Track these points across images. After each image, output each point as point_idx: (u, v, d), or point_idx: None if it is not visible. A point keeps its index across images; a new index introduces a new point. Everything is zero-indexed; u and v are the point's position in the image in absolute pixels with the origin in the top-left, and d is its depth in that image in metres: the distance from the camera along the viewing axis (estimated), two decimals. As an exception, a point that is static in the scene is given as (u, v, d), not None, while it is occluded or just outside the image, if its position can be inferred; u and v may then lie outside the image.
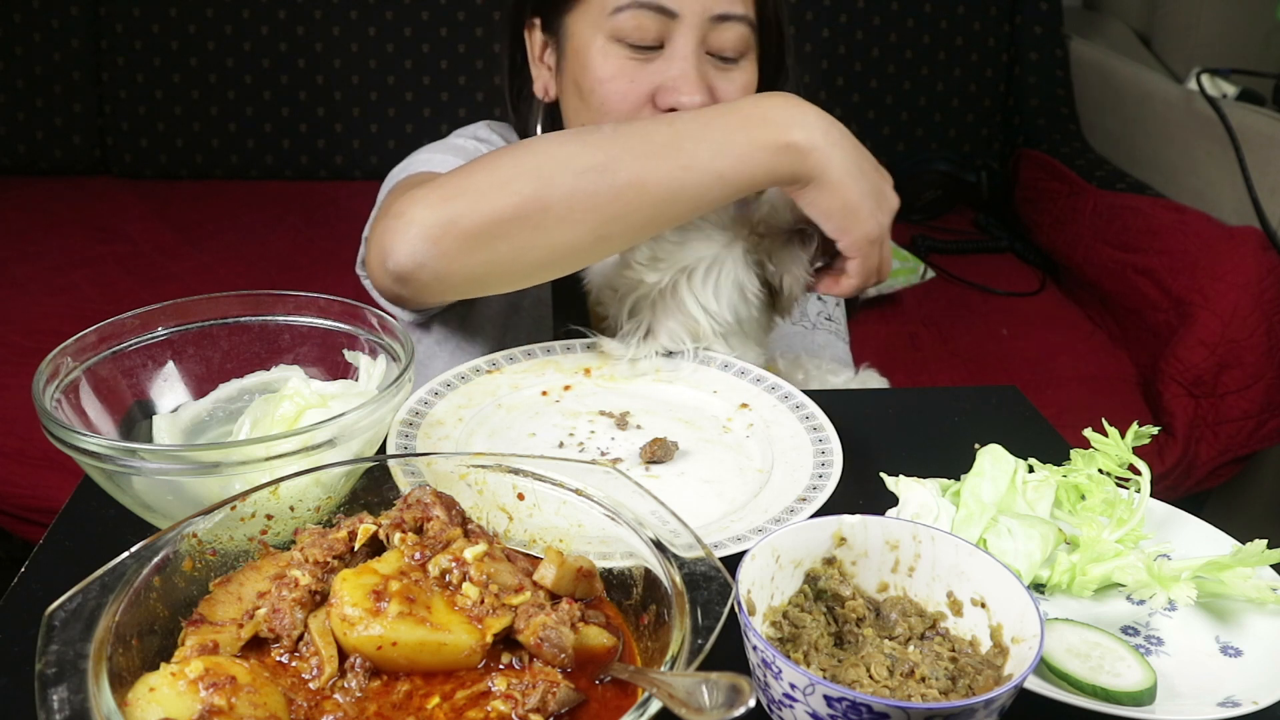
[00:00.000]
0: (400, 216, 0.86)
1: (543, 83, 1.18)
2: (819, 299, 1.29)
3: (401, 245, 0.86)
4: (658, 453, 0.87)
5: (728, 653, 0.54)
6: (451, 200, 0.85)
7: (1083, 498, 0.77)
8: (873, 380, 1.17)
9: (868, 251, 0.94)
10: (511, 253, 0.87)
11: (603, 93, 1.10)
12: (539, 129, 1.22)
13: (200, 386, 0.85)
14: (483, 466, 0.67)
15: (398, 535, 0.61)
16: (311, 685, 0.54)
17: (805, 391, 0.97)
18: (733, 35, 1.07)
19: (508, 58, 1.24)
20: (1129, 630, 0.70)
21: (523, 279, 0.92)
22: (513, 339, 1.17)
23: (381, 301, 1.02)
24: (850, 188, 0.90)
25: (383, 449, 0.83)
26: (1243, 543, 0.71)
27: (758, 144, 0.89)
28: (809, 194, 0.91)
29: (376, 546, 0.61)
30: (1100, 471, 0.77)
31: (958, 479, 0.78)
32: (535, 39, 1.18)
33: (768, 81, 1.18)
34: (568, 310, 1.18)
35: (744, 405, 0.96)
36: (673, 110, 1.06)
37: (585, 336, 1.04)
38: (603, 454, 0.89)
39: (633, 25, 1.06)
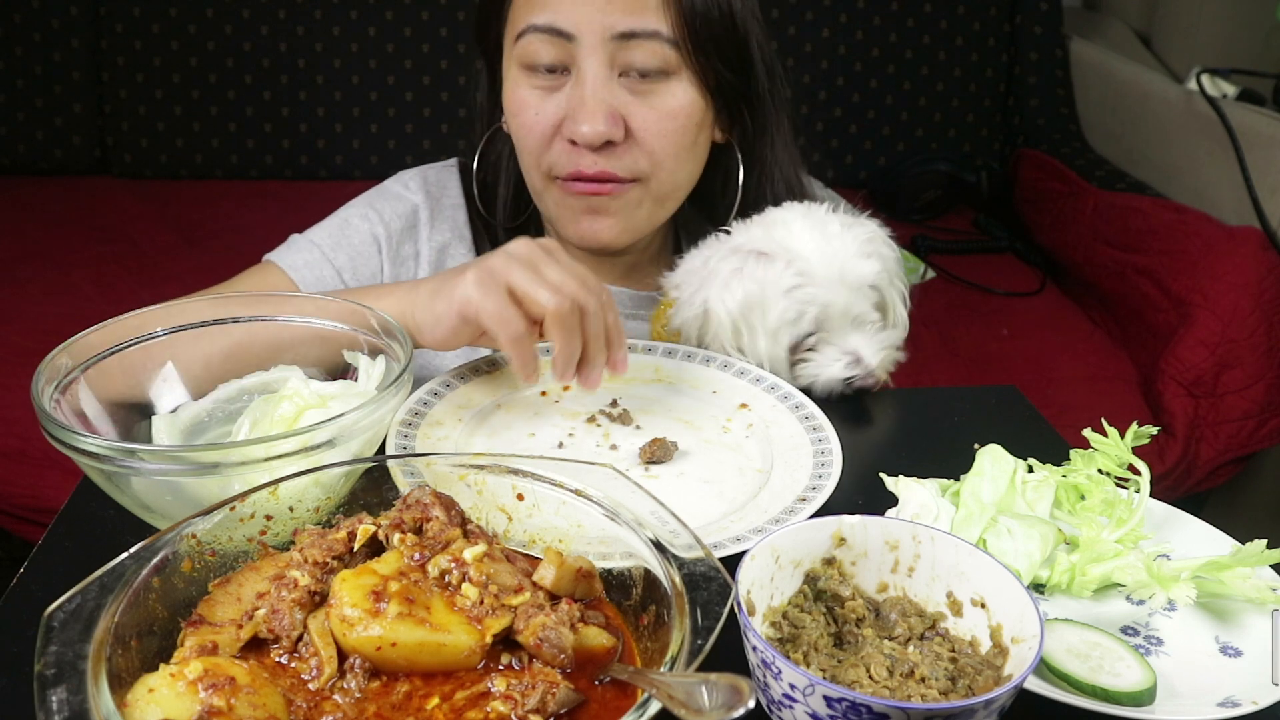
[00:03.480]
0: None
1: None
2: None
3: None
4: (657, 453, 0.87)
5: (728, 653, 0.54)
6: None
7: (1082, 498, 0.77)
8: None
9: (495, 311, 0.84)
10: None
11: (515, 126, 1.07)
12: (505, 163, 1.19)
13: (199, 387, 0.85)
14: (482, 467, 0.67)
15: (397, 536, 0.61)
16: (311, 686, 0.54)
17: (804, 391, 0.97)
18: (644, 54, 1.01)
19: (485, 89, 1.19)
20: (1129, 630, 0.70)
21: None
22: None
23: None
24: (438, 290, 0.87)
25: (382, 449, 0.82)
26: (1243, 543, 0.71)
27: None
28: (425, 332, 0.89)
29: (376, 547, 0.61)
30: (1100, 471, 0.77)
31: (958, 479, 0.78)
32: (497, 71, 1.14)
33: (735, 111, 1.11)
34: None
35: (744, 405, 0.96)
36: (572, 143, 1.03)
37: None
38: (603, 448, 0.89)
39: (533, 51, 1.02)
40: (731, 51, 1.07)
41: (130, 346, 0.81)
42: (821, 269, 0.97)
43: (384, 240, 1.17)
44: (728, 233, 1.05)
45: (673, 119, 1.05)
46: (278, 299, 0.88)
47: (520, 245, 0.88)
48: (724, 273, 1.00)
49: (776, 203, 1.16)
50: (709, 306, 1.01)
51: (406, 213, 1.20)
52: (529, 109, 1.05)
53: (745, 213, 1.13)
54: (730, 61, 1.07)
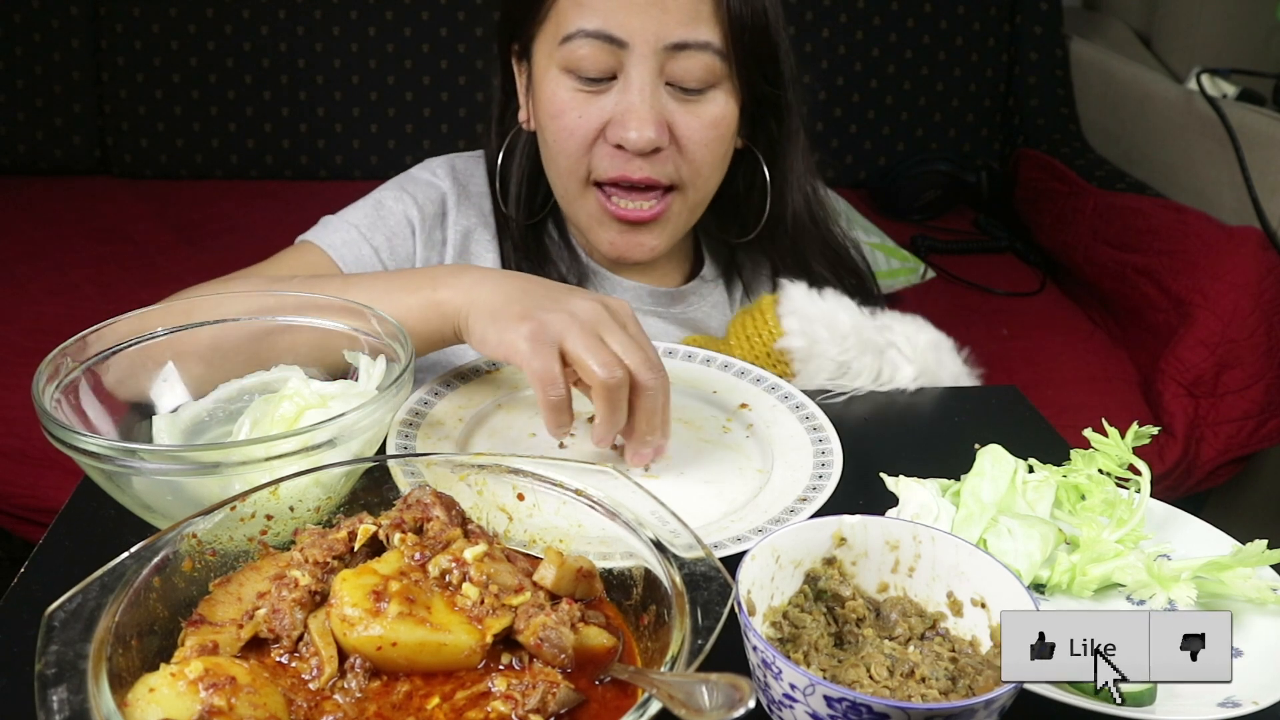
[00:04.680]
0: None
1: (526, 111, 1.14)
2: None
3: None
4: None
5: (728, 653, 0.54)
6: None
7: (1083, 498, 0.77)
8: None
9: (540, 354, 0.79)
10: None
11: (553, 129, 1.06)
12: (518, 160, 1.19)
13: (200, 386, 0.85)
14: (482, 467, 0.67)
15: (397, 535, 0.61)
16: (311, 686, 0.54)
17: (805, 391, 0.97)
18: (694, 65, 1.01)
19: (499, 84, 1.19)
20: (1129, 630, 0.70)
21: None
22: None
23: None
24: (496, 316, 0.83)
25: (382, 449, 0.82)
26: (1243, 543, 0.71)
27: (410, 301, 0.88)
28: (473, 341, 0.86)
29: (376, 547, 0.61)
30: (1100, 471, 0.77)
31: (958, 479, 0.78)
32: (519, 66, 1.14)
33: (759, 119, 1.13)
34: None
35: (744, 405, 0.96)
36: (619, 147, 1.03)
37: None
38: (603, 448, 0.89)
39: (581, 55, 1.01)
40: (769, 63, 1.08)
41: (130, 346, 0.81)
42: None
43: (418, 223, 1.17)
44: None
45: (715, 128, 1.05)
46: (323, 280, 0.88)
47: (587, 306, 0.82)
48: (867, 372, 1.04)
49: (794, 210, 1.17)
50: (855, 385, 1.04)
51: (437, 199, 1.20)
52: (571, 112, 1.04)
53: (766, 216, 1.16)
54: (767, 72, 1.08)
